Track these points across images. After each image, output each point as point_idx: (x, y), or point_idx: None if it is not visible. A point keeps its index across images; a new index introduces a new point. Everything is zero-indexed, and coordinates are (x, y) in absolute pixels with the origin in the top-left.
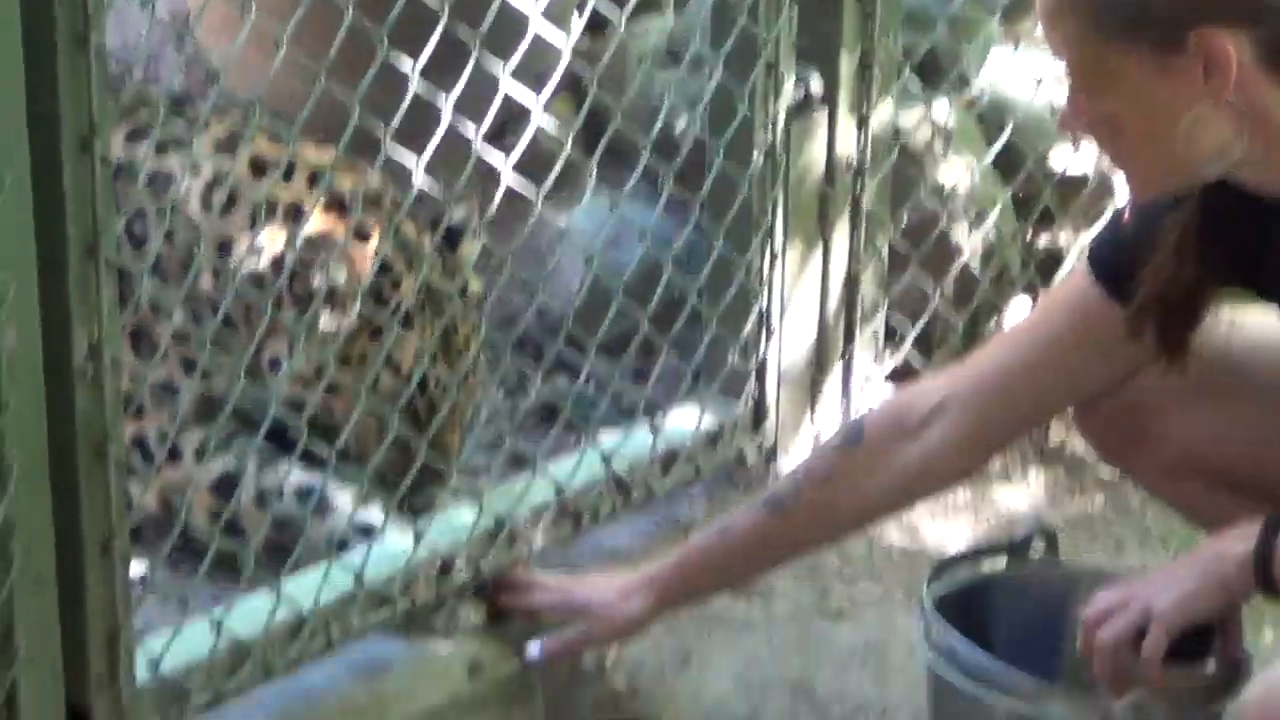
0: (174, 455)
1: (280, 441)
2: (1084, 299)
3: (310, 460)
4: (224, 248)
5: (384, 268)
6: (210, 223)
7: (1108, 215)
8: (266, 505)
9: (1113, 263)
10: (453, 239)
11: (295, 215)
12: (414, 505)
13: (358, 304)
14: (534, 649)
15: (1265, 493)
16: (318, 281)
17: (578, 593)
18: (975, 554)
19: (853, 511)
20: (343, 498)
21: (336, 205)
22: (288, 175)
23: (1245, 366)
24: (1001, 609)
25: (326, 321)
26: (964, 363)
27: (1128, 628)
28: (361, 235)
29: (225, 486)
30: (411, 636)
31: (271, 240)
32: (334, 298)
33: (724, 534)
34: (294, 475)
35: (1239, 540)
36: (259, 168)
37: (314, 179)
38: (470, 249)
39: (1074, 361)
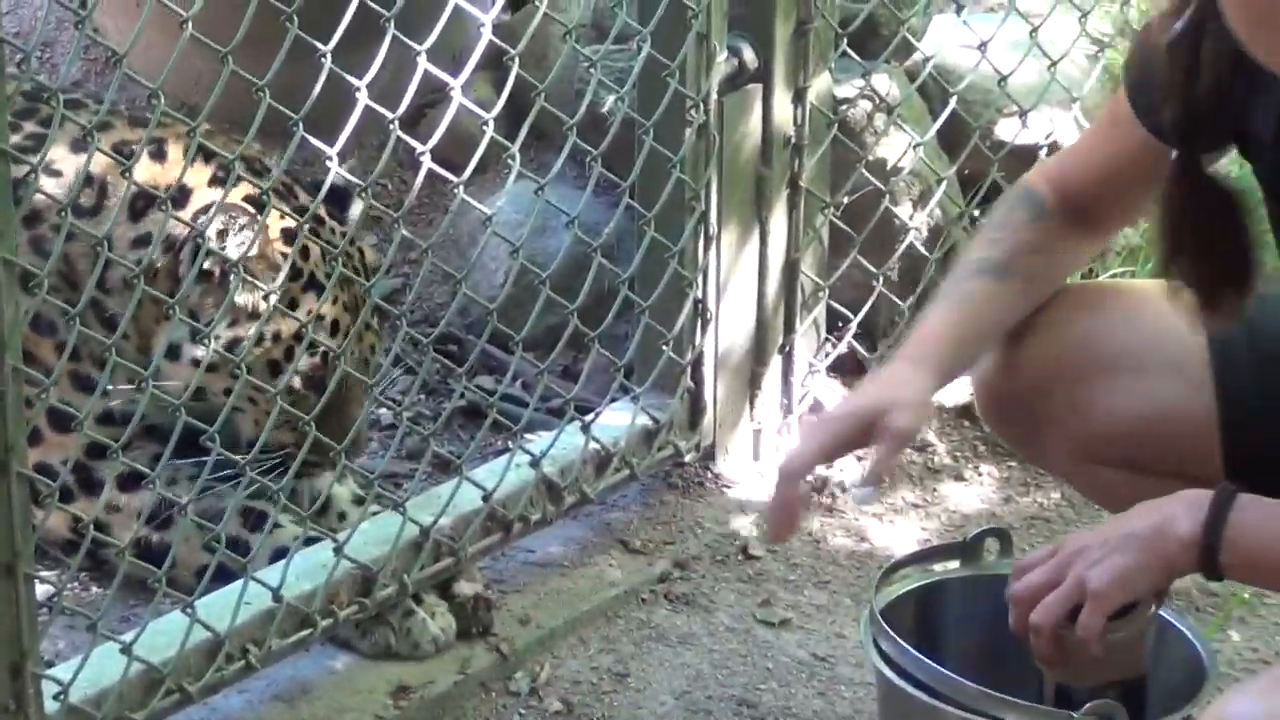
0: (89, 486)
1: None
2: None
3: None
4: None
5: (288, 235)
6: (86, 225)
7: None
8: (205, 530)
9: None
10: (340, 201)
11: (180, 194)
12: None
13: (275, 276)
14: (860, 492)
15: (1172, 472)
16: (227, 250)
17: (858, 406)
18: (925, 556)
19: (1052, 284)
20: (284, 516)
21: (223, 177)
22: (159, 156)
23: (1145, 341)
24: (954, 614)
25: (242, 297)
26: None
27: (1064, 607)
28: (257, 204)
29: (160, 517)
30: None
31: (156, 225)
32: (243, 269)
33: (963, 304)
34: (236, 498)
35: (1185, 516)
36: (124, 155)
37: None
38: (359, 211)
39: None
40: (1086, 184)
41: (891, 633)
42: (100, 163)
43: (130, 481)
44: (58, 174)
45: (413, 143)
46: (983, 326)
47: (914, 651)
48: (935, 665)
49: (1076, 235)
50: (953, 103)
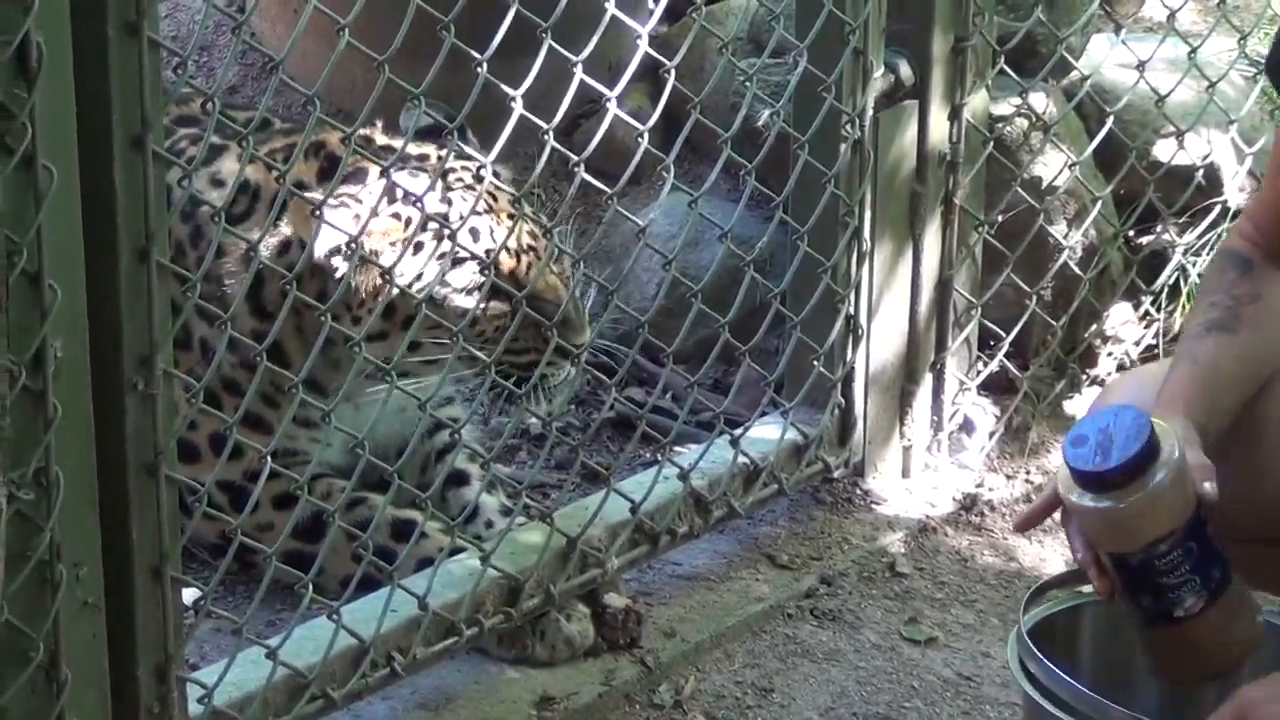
0: (240, 507)
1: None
2: None
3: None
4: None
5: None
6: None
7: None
8: (354, 540)
9: None
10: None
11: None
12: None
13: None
14: None
15: None
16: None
17: None
18: (1074, 578)
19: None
20: (432, 524)
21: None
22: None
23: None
24: (1102, 635)
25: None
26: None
27: None
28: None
29: (310, 531)
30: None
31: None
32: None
33: (1203, 358)
34: (388, 511)
35: None
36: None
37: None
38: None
39: None
40: None
41: (1038, 654)
42: (253, 169)
43: (286, 501)
44: (221, 184)
45: (566, 153)
46: (1223, 376)
47: (1060, 673)
48: (1082, 687)
49: None
50: (1109, 122)
